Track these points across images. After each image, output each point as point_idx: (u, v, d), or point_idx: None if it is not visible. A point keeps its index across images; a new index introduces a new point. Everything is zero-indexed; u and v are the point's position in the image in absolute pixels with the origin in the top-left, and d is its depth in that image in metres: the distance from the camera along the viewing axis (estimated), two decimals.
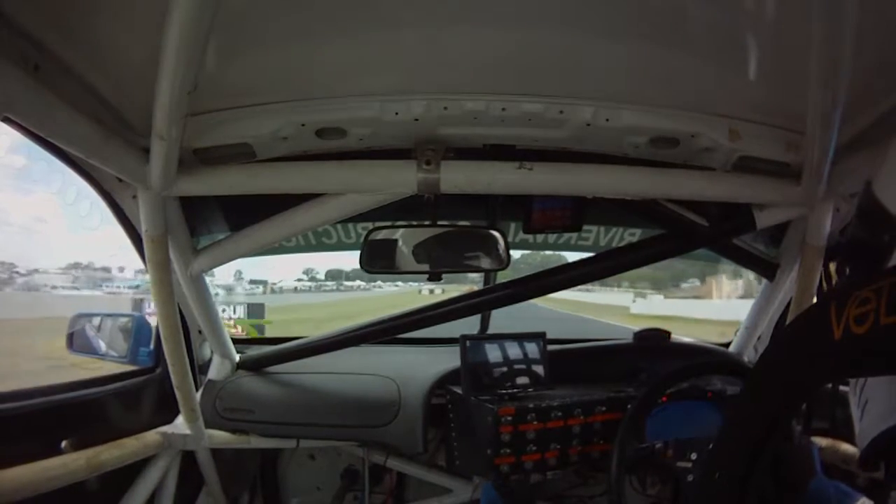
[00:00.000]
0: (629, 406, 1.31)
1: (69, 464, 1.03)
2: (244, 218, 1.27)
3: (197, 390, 1.45)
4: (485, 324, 1.84)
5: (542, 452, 1.38)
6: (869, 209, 0.51)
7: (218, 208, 1.33)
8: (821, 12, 0.73)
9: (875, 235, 0.50)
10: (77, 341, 1.51)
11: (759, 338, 1.66)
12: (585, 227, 1.52)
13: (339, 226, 1.74)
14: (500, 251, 1.33)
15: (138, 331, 1.44)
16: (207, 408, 1.47)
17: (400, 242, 1.29)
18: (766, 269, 1.48)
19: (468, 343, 1.48)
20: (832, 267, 0.57)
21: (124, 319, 1.48)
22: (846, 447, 1.24)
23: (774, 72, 0.92)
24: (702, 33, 0.85)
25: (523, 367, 1.51)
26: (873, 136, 0.99)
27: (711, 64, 0.91)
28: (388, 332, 1.53)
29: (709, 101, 1.03)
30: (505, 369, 1.49)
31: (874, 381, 0.49)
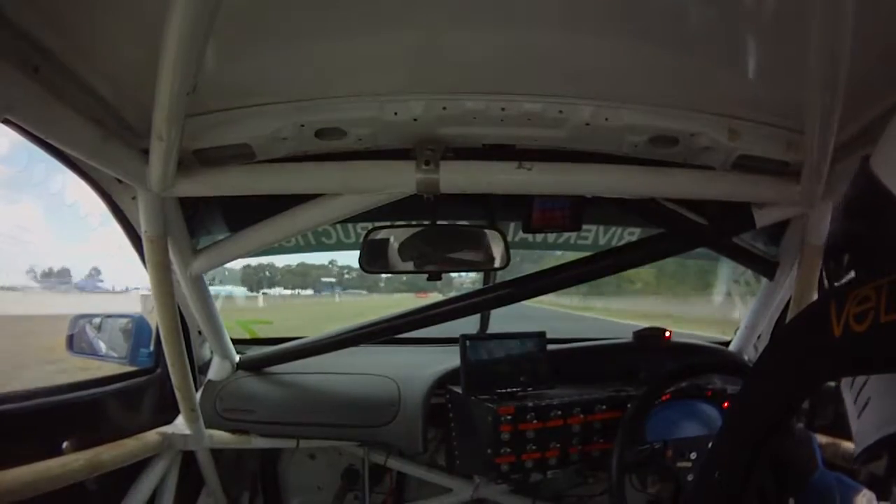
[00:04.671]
0: (629, 405, 1.31)
1: (69, 464, 1.03)
2: (243, 218, 1.27)
3: (197, 391, 1.45)
4: (484, 323, 1.84)
5: (543, 451, 1.38)
6: (866, 189, 0.49)
7: (217, 209, 1.33)
8: (820, 11, 0.73)
9: (872, 220, 0.49)
10: (77, 342, 1.51)
11: (759, 336, 1.66)
12: (585, 227, 1.52)
13: (338, 226, 1.74)
14: (500, 251, 1.33)
15: (138, 332, 1.43)
16: (207, 408, 1.47)
17: (399, 242, 1.30)
18: (766, 267, 1.48)
19: (468, 343, 1.48)
20: (830, 268, 0.55)
21: (124, 320, 1.48)
22: (847, 445, 1.24)
23: (774, 71, 0.92)
24: (701, 32, 0.85)
25: (523, 366, 1.52)
26: (873, 135, 0.99)
27: (711, 63, 0.91)
28: (387, 331, 1.52)
29: (708, 101, 1.03)
30: (505, 369, 1.50)
31: (876, 380, 0.49)
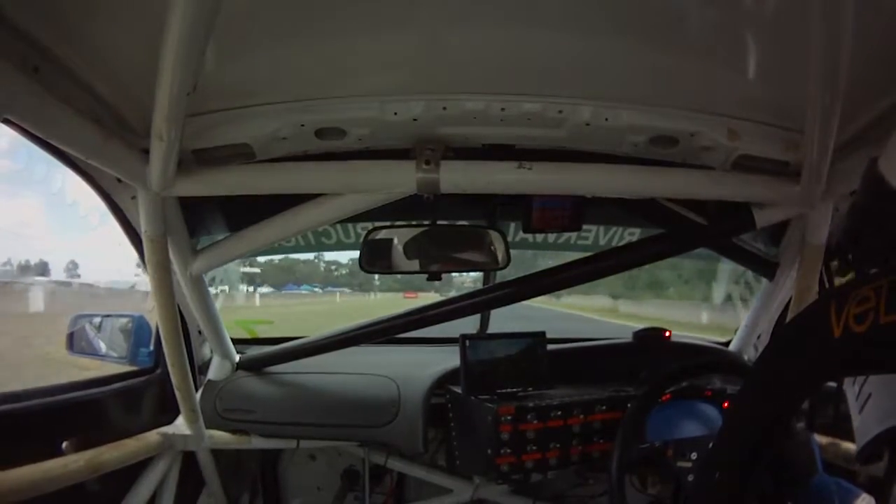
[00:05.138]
0: (629, 405, 1.31)
1: (69, 465, 1.03)
2: (243, 218, 1.27)
3: (197, 391, 1.45)
4: (484, 323, 1.84)
5: (543, 452, 1.38)
6: (874, 191, 0.50)
7: (217, 209, 1.33)
8: (820, 11, 0.73)
9: (880, 220, 0.49)
10: (77, 342, 1.51)
11: (759, 337, 1.66)
12: (585, 227, 1.52)
13: (338, 226, 1.74)
14: (500, 251, 1.33)
15: (138, 331, 1.44)
16: (207, 408, 1.47)
17: (399, 242, 1.30)
18: (766, 268, 1.48)
19: (468, 342, 1.48)
20: (833, 266, 0.55)
21: (124, 320, 1.48)
22: (847, 445, 1.24)
23: (774, 71, 0.92)
24: (701, 32, 0.85)
25: (523, 366, 1.51)
26: (873, 135, 0.99)
27: (710, 63, 0.91)
28: (387, 331, 1.52)
29: (708, 101, 1.03)
30: (505, 369, 1.49)
31: (876, 376, 0.49)
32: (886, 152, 0.50)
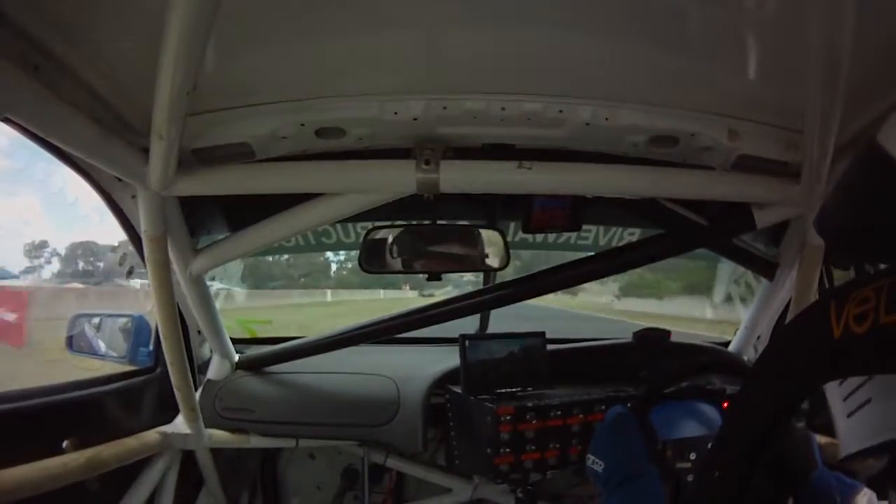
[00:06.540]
0: (629, 405, 1.30)
1: (69, 463, 1.04)
2: (244, 218, 1.27)
3: (196, 390, 1.45)
4: (484, 323, 1.84)
5: (542, 451, 1.38)
6: (874, 169, 0.46)
7: (217, 208, 1.33)
8: (820, 11, 0.73)
9: (884, 200, 0.46)
10: (77, 342, 1.52)
11: (758, 337, 1.66)
12: (585, 227, 1.52)
13: (338, 225, 1.74)
14: (500, 251, 1.33)
15: (138, 331, 1.44)
16: (207, 407, 1.47)
17: (399, 242, 1.30)
18: (766, 268, 1.48)
19: (467, 342, 1.47)
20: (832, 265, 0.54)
21: (124, 319, 1.49)
22: None
23: (774, 71, 0.92)
24: (701, 32, 0.85)
25: (523, 366, 1.51)
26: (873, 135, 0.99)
27: (711, 63, 0.91)
28: (387, 331, 1.53)
29: (708, 101, 1.03)
30: (504, 368, 1.49)
31: (881, 379, 0.47)
32: (888, 126, 0.47)
